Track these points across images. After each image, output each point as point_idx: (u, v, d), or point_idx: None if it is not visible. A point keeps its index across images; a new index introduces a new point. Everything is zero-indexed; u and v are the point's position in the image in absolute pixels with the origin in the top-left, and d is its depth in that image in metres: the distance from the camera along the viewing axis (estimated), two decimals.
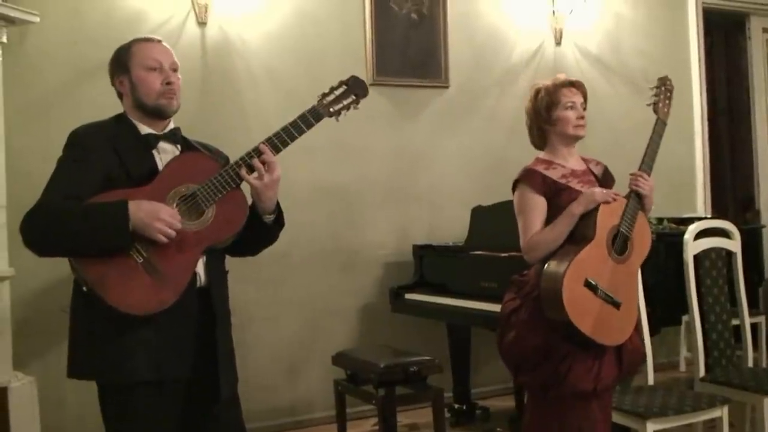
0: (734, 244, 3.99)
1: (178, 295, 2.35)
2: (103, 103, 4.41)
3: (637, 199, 2.89)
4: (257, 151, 2.48)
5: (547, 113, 3.00)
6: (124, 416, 2.38)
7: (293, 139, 2.52)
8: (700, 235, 3.86)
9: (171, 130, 2.56)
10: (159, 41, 2.57)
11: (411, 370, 3.91)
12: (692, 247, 3.81)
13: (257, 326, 4.84)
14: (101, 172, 2.38)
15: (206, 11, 4.76)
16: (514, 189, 3.00)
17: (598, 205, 2.80)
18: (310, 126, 2.55)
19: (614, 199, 2.84)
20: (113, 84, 2.57)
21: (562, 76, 3.07)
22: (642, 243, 2.92)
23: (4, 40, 3.94)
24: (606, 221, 2.81)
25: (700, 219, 4.56)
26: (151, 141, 2.51)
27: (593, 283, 2.74)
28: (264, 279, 4.85)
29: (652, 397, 3.38)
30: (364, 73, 5.24)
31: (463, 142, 5.59)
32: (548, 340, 2.79)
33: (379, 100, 5.26)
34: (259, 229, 2.58)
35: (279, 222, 2.65)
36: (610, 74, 6.14)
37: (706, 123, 6.56)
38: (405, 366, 3.91)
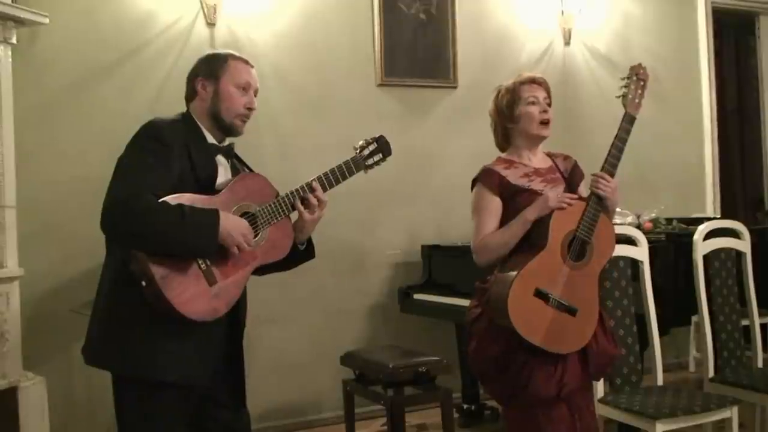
0: (744, 245, 3.98)
1: (229, 308, 2.43)
2: (112, 104, 4.49)
3: (597, 201, 2.77)
4: (310, 187, 2.61)
5: (509, 111, 2.96)
6: (143, 413, 2.41)
7: (338, 182, 2.70)
8: (710, 235, 3.85)
9: (229, 145, 2.63)
10: (253, 66, 2.66)
11: (420, 371, 3.91)
12: (701, 247, 3.80)
13: (266, 326, 4.84)
14: (176, 172, 2.40)
15: (215, 12, 4.77)
16: (472, 187, 2.97)
17: (552, 211, 2.74)
18: (351, 174, 2.74)
19: (570, 204, 2.75)
20: (192, 82, 2.59)
21: (524, 74, 3.02)
22: (604, 246, 2.83)
23: (14, 41, 3.95)
24: (561, 227, 2.73)
25: (709, 219, 4.55)
26: (213, 151, 2.56)
27: (544, 291, 2.69)
28: (273, 279, 4.78)
29: (661, 398, 3.37)
30: (373, 73, 5.25)
31: (472, 142, 5.55)
32: (508, 347, 2.74)
33: (388, 100, 5.27)
34: (289, 256, 2.66)
35: (308, 253, 2.78)
36: (619, 73, 6.07)
37: (715, 123, 6.54)
38: (414, 366, 3.91)
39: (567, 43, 5.90)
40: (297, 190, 2.59)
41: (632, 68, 2.98)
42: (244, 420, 2.68)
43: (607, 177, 2.80)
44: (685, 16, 6.49)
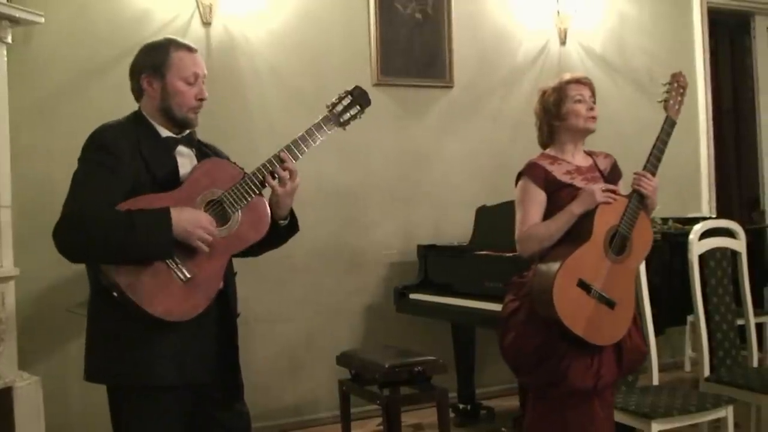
0: (739, 244, 3.98)
1: (210, 301, 2.38)
2: (107, 103, 4.47)
3: (639, 199, 2.88)
4: (279, 159, 2.53)
5: (556, 109, 3.02)
6: (143, 419, 2.39)
7: (309, 147, 2.59)
8: (705, 234, 3.86)
9: (189, 134, 2.56)
10: (196, 51, 2.56)
11: (415, 370, 3.90)
12: (697, 246, 3.80)
13: (261, 326, 4.84)
14: (130, 178, 2.35)
15: (211, 11, 4.77)
16: (517, 181, 3.04)
17: (598, 205, 2.81)
18: (324, 134, 2.62)
19: (615, 199, 2.85)
20: (137, 80, 2.52)
21: (567, 75, 3.11)
22: (642, 243, 2.92)
23: (9, 40, 3.94)
24: (605, 221, 2.82)
25: (705, 219, 4.55)
26: (171, 144, 2.50)
27: (587, 282, 2.76)
28: (269, 279, 4.85)
29: (657, 397, 3.38)
30: (369, 73, 5.25)
31: (468, 142, 5.58)
32: (547, 340, 2.82)
33: (384, 100, 5.26)
34: (273, 234, 2.59)
35: (292, 227, 2.69)
36: (615, 74, 6.13)
37: (711, 122, 6.55)
38: (409, 366, 3.91)
39: (563, 42, 5.90)
40: (264, 165, 2.52)
41: (673, 76, 3.07)
42: (243, 419, 2.64)
43: (649, 176, 2.90)
44: (680, 16, 6.50)
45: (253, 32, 4.95)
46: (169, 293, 2.30)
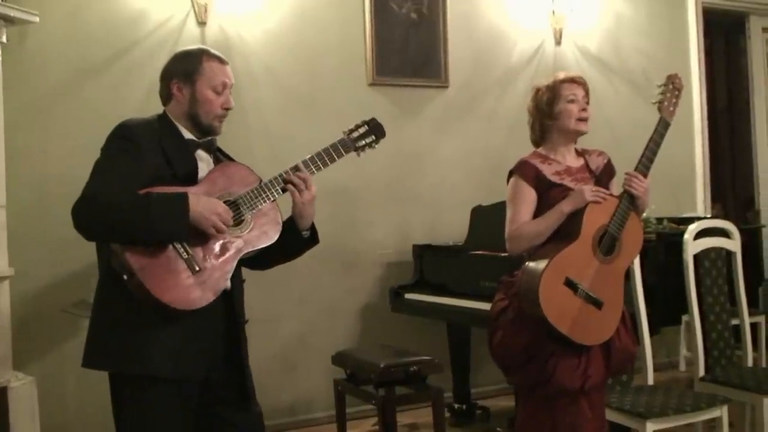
0: (734, 244, 3.99)
1: (215, 296, 2.40)
2: (102, 103, 4.48)
3: (630, 199, 2.88)
4: (296, 169, 2.61)
5: (549, 108, 3.03)
6: (140, 408, 2.40)
7: (325, 165, 2.68)
8: (700, 234, 3.86)
9: (209, 140, 2.61)
10: (227, 63, 2.63)
11: (411, 370, 3.91)
12: (692, 246, 3.81)
13: (257, 325, 4.77)
14: (150, 169, 2.40)
15: (206, 11, 4.76)
16: (508, 179, 3.05)
17: (587, 204, 2.82)
18: (340, 156, 2.71)
19: (604, 199, 2.85)
20: (167, 85, 2.58)
21: (562, 74, 3.10)
22: (632, 244, 2.92)
23: (4, 40, 3.93)
24: (594, 220, 2.82)
25: (699, 219, 4.56)
26: (192, 146, 2.56)
27: (574, 281, 2.76)
28: (264, 278, 4.78)
29: (652, 397, 3.38)
30: (364, 73, 5.25)
31: (463, 141, 5.58)
32: (534, 339, 2.82)
33: (379, 99, 5.26)
34: (290, 245, 2.68)
35: (312, 239, 2.77)
36: (610, 74, 6.13)
37: (706, 122, 6.56)
38: (405, 366, 3.91)
39: (558, 43, 5.90)
40: (281, 174, 2.59)
41: (669, 77, 3.06)
42: (257, 419, 2.66)
43: (641, 177, 2.90)
44: (675, 16, 6.51)
45: (248, 32, 4.95)
46: (178, 282, 2.32)
